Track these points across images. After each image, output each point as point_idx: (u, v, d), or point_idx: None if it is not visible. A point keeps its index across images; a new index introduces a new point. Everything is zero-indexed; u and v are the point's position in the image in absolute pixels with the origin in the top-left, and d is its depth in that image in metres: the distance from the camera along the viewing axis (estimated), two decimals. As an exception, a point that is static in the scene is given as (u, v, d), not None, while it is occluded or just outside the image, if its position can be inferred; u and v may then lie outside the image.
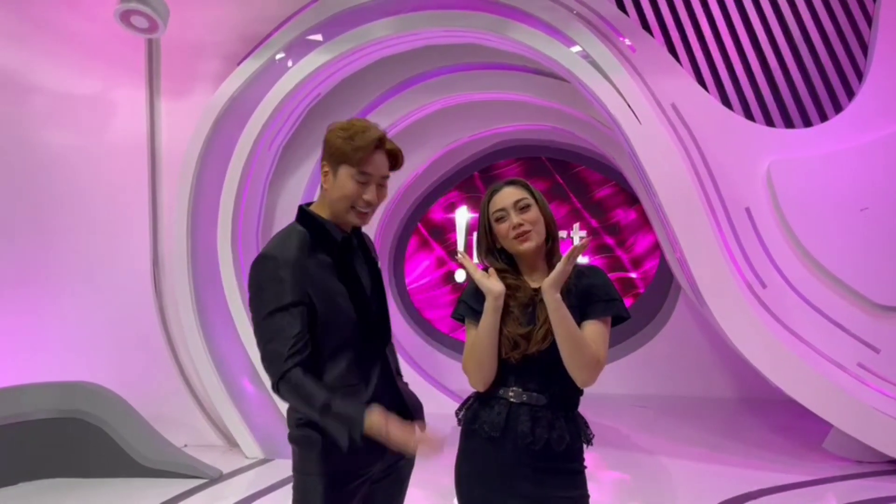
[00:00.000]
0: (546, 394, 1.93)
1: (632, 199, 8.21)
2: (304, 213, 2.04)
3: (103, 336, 5.72)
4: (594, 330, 1.92)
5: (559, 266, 1.85)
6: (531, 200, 2.01)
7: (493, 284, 1.94)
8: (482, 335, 1.94)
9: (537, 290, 1.97)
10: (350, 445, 1.83)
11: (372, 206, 1.97)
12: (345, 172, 1.93)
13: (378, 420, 1.79)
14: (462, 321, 2.07)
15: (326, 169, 1.97)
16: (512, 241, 1.99)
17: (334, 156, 1.94)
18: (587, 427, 1.99)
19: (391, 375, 2.04)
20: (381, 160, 1.95)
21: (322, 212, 2.03)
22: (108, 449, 4.90)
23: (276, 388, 1.87)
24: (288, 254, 1.92)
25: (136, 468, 4.90)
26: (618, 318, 1.98)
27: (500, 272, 2.03)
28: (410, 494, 2.18)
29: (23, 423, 4.80)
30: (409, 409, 2.02)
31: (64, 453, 4.91)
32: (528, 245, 1.98)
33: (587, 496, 1.97)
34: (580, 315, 1.94)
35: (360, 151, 1.90)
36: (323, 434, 1.90)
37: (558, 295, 1.86)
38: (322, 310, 1.92)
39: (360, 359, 1.98)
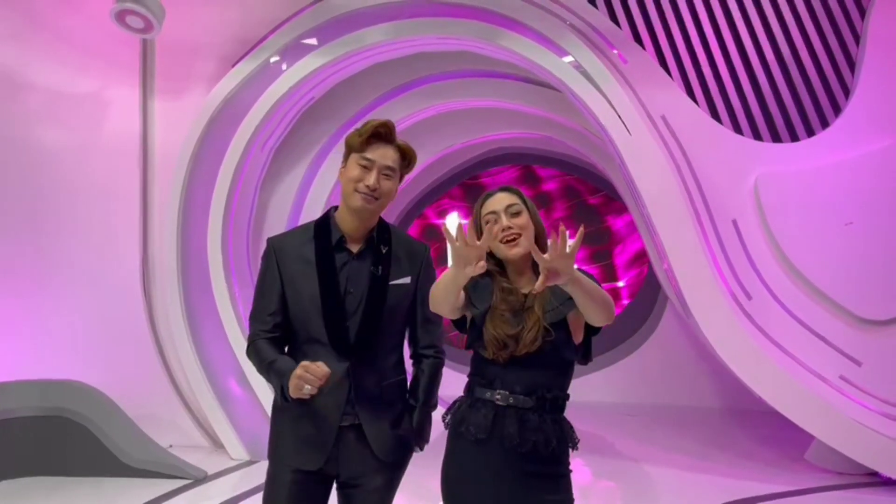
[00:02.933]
0: (532, 397, 1.94)
1: (621, 209, 8.27)
2: (325, 213, 2.20)
3: (91, 335, 5.70)
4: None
5: (570, 251, 1.76)
6: (522, 207, 2.04)
7: (468, 258, 1.82)
8: (439, 290, 1.93)
9: (527, 296, 2.00)
10: (284, 401, 1.99)
11: (374, 192, 2.06)
12: (351, 159, 2.11)
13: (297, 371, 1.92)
14: None
15: (342, 165, 2.14)
16: (500, 244, 2.01)
17: (347, 149, 2.14)
18: (573, 431, 2.01)
19: (361, 388, 2.05)
20: (384, 150, 2.11)
21: (339, 213, 2.16)
22: (93, 448, 4.88)
23: (247, 353, 2.16)
24: (282, 243, 2.15)
25: (121, 468, 4.88)
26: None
27: (497, 274, 2.05)
28: (397, 497, 2.19)
29: (7, 421, 4.79)
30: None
31: (48, 451, 4.89)
32: (516, 251, 2.00)
33: (572, 500, 1.99)
34: (569, 308, 1.94)
35: (362, 136, 2.09)
36: (275, 420, 2.14)
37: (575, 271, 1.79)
38: (291, 302, 2.09)
39: (331, 361, 2.00)
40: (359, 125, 2.13)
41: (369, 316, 2.07)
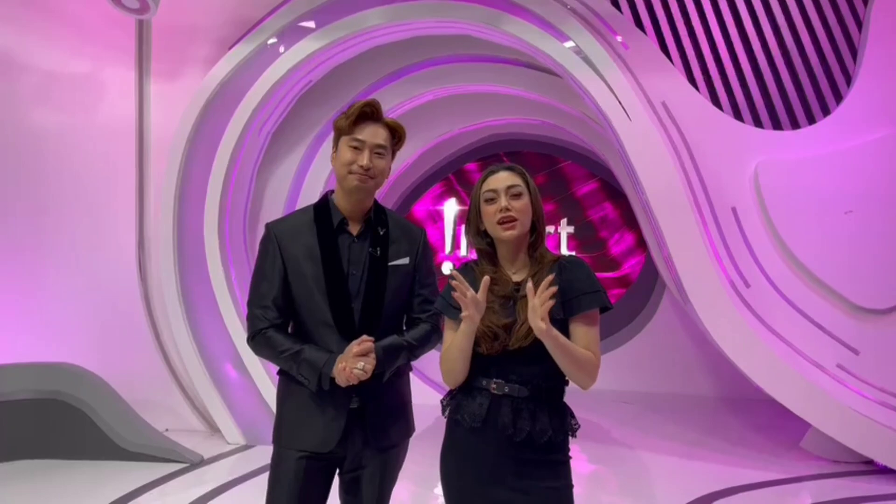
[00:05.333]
0: (528, 386, 1.91)
1: (619, 196, 8.24)
2: (323, 196, 2.19)
3: (87, 318, 5.68)
4: (584, 332, 1.90)
5: (532, 304, 1.77)
6: (524, 189, 1.99)
7: (474, 311, 1.83)
8: (453, 352, 1.91)
9: (518, 285, 1.96)
10: (320, 390, 2.02)
11: (368, 172, 2.07)
12: (342, 143, 2.11)
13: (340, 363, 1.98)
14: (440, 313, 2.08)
15: (333, 151, 2.14)
16: (495, 225, 1.96)
17: (336, 133, 2.14)
18: (573, 418, 1.98)
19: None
20: (373, 129, 2.10)
21: (336, 196, 2.16)
22: (89, 431, 4.88)
23: (250, 342, 2.14)
24: (281, 228, 2.13)
25: (117, 451, 4.88)
26: (601, 309, 1.97)
27: (480, 257, 2.04)
28: (397, 484, 2.19)
29: (3, 404, 4.78)
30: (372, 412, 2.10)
31: (44, 435, 4.88)
32: (510, 233, 1.95)
33: (570, 486, 1.97)
34: (564, 309, 1.92)
35: (350, 118, 2.09)
36: (282, 405, 2.13)
37: (553, 331, 1.79)
38: (295, 287, 2.08)
39: (339, 343, 2.04)
40: (347, 110, 2.12)
41: (371, 296, 2.08)
